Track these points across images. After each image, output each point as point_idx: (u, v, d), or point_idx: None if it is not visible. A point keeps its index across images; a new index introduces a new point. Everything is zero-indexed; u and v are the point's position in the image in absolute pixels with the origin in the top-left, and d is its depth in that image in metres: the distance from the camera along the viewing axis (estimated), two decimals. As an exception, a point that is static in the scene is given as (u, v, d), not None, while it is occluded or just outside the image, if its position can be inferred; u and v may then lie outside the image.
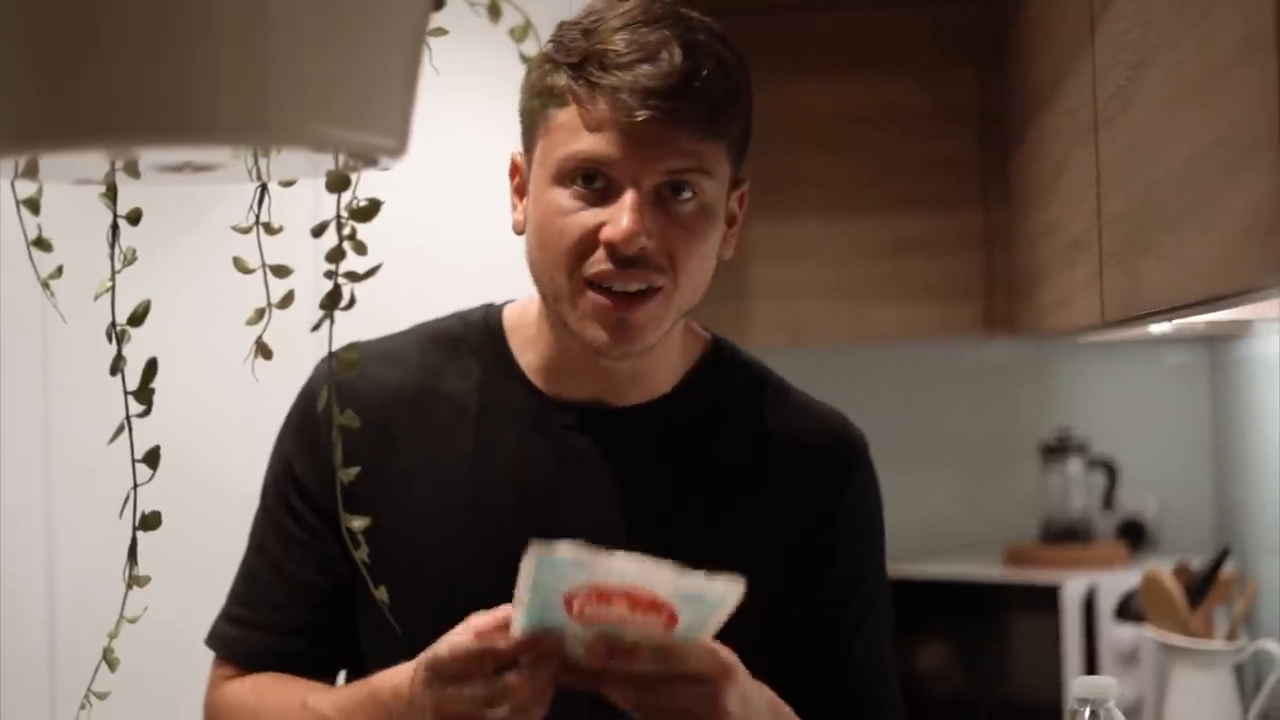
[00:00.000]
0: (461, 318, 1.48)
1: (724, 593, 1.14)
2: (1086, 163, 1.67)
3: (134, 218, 1.13)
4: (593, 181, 1.30)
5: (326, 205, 1.04)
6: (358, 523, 1.11)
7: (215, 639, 1.46)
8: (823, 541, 1.43)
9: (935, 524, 3.37)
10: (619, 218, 1.28)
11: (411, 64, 0.93)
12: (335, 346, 1.14)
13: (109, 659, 1.12)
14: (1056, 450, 3.23)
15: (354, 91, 0.85)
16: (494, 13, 1.03)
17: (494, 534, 1.35)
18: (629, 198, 1.28)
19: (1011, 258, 2.89)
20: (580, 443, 1.39)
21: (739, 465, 1.43)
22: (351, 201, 1.10)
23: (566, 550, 1.14)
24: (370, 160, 0.96)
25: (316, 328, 1.10)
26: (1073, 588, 2.86)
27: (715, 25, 1.35)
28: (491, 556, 1.29)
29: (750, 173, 3.28)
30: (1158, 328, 2.41)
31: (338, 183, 1.09)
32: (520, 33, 1.07)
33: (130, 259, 1.11)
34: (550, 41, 1.34)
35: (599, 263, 1.29)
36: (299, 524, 1.41)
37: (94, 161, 0.97)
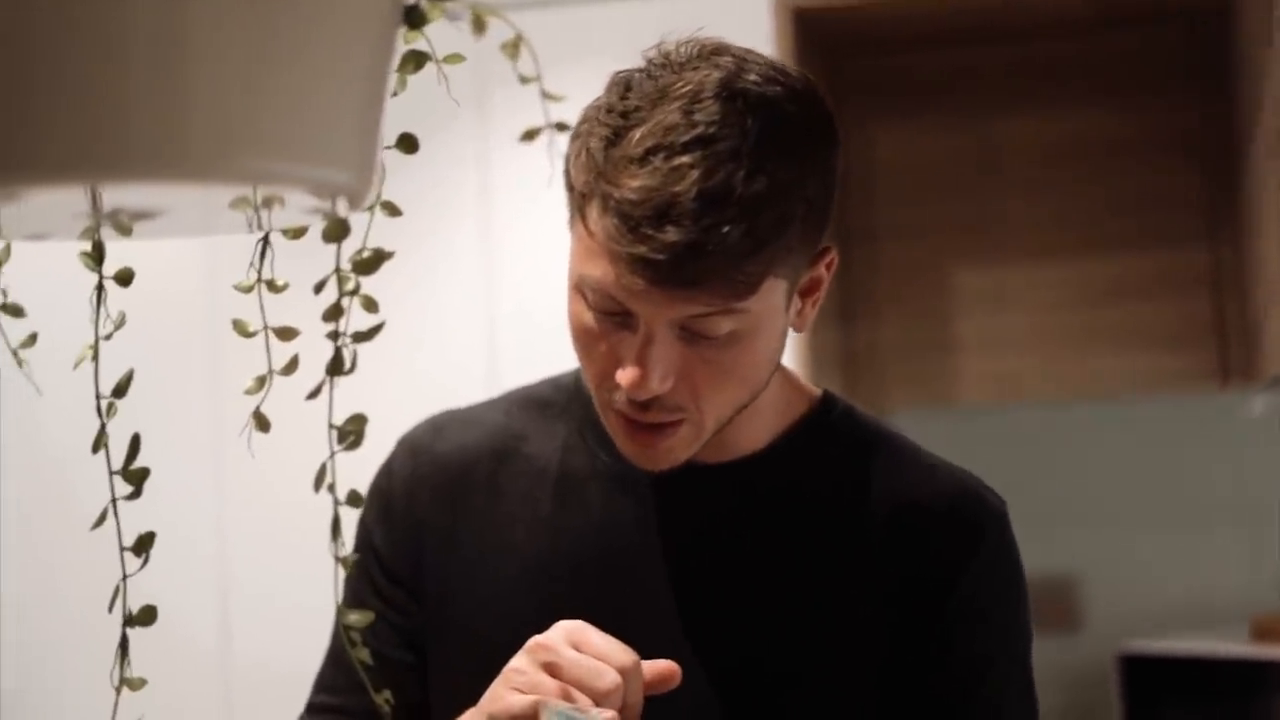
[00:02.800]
0: (552, 381, 1.41)
1: None
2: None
3: (123, 279, 1.03)
4: (607, 307, 1.17)
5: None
6: (355, 618, 1.00)
7: None
8: (939, 625, 1.25)
9: (1173, 595, 3.15)
10: (628, 367, 1.16)
11: (368, 92, 0.83)
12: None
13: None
14: (1309, 512, 2.94)
15: (292, 122, 0.76)
16: (477, 27, 0.91)
17: (572, 601, 1.26)
18: (640, 338, 1.16)
19: (1245, 300, 2.64)
20: (665, 503, 1.29)
21: (840, 532, 1.28)
22: (358, 252, 0.99)
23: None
24: (349, 198, 0.86)
25: (313, 395, 0.99)
26: (1327, 667, 2.58)
27: (782, 116, 1.14)
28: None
29: (951, 218, 3.10)
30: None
31: (335, 230, 0.98)
32: (511, 49, 0.94)
33: (120, 323, 1.02)
34: (595, 104, 1.19)
35: (619, 401, 1.20)
36: (383, 600, 1.33)
37: (49, 214, 0.89)
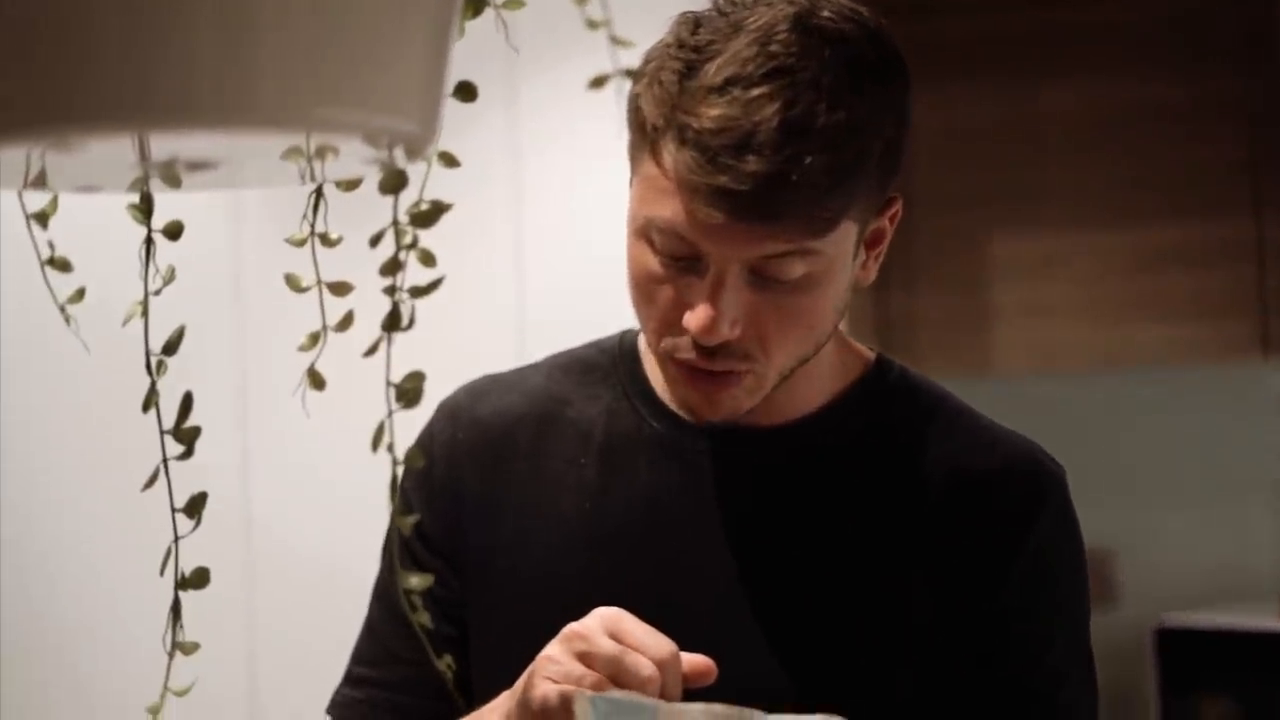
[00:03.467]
0: (596, 344, 1.39)
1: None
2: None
3: (173, 232, 1.01)
4: (676, 249, 1.14)
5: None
6: (416, 580, 0.97)
7: (337, 706, 1.36)
8: (998, 593, 1.22)
9: (1212, 569, 3.13)
10: (699, 308, 1.14)
11: (434, 38, 0.82)
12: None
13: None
14: (1349, 486, 2.92)
15: (357, 69, 0.74)
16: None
17: (618, 568, 1.26)
18: (710, 281, 1.13)
19: (1289, 270, 2.62)
20: (717, 469, 1.27)
21: (901, 495, 1.25)
22: (416, 204, 0.96)
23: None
24: (410, 148, 0.84)
25: (370, 352, 0.97)
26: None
27: (857, 51, 1.12)
28: (614, 591, 1.19)
29: (991, 184, 3.07)
30: None
31: (392, 181, 0.96)
32: (581, -8, 0.92)
33: (169, 278, 1.00)
34: (664, 43, 1.16)
35: (685, 349, 1.17)
36: (419, 568, 1.33)
37: (99, 165, 0.87)
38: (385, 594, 1.36)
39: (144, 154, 0.85)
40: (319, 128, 0.75)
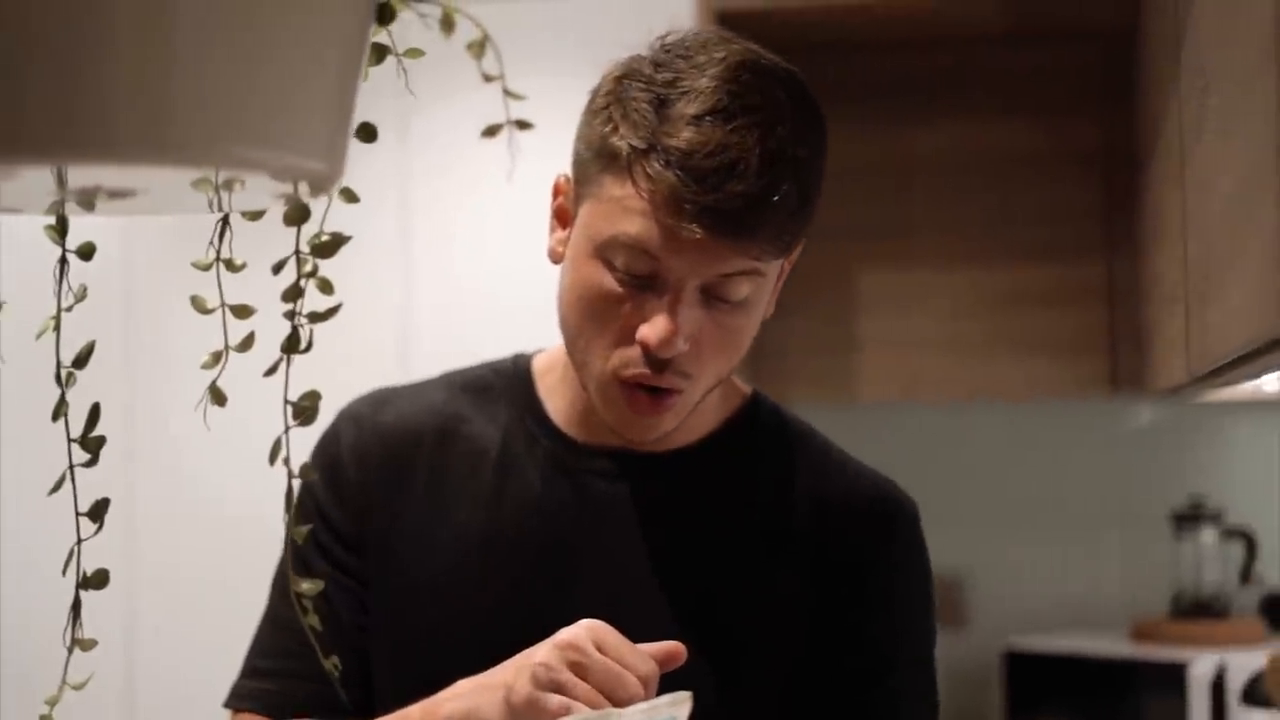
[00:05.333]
0: (492, 366, 1.43)
1: (671, 712, 1.06)
2: (1175, 203, 1.53)
3: (85, 252, 1.05)
4: (636, 267, 1.20)
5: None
6: (306, 585, 1.03)
7: (237, 698, 1.38)
8: (855, 610, 1.31)
9: (1058, 595, 3.22)
10: (657, 321, 1.20)
11: (343, 82, 0.86)
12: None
13: (45, 731, 1.05)
14: (1189, 519, 3.04)
15: (271, 110, 0.79)
16: (446, 26, 0.95)
17: (510, 578, 1.31)
18: (669, 299, 1.20)
19: (1137, 310, 2.73)
20: (604, 488, 1.33)
21: (768, 522, 1.33)
22: (315, 235, 1.02)
23: None
24: (316, 186, 0.89)
25: (270, 372, 1.02)
26: (1200, 667, 2.67)
27: (801, 95, 1.22)
28: (506, 600, 1.26)
29: (860, 221, 3.15)
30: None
31: (296, 214, 1.01)
32: (478, 49, 0.99)
33: (81, 296, 1.04)
34: (618, 83, 1.23)
35: (633, 365, 1.22)
36: (329, 562, 1.34)
37: (22, 189, 0.91)
38: (288, 589, 1.40)
39: (62, 180, 0.89)
40: (233, 165, 0.79)
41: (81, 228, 0.98)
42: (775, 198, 1.16)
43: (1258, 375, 1.33)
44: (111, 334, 2.81)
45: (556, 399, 1.36)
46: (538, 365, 1.40)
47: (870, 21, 2.79)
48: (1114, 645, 2.94)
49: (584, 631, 1.13)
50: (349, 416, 1.38)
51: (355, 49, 0.88)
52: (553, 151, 1.38)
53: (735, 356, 1.26)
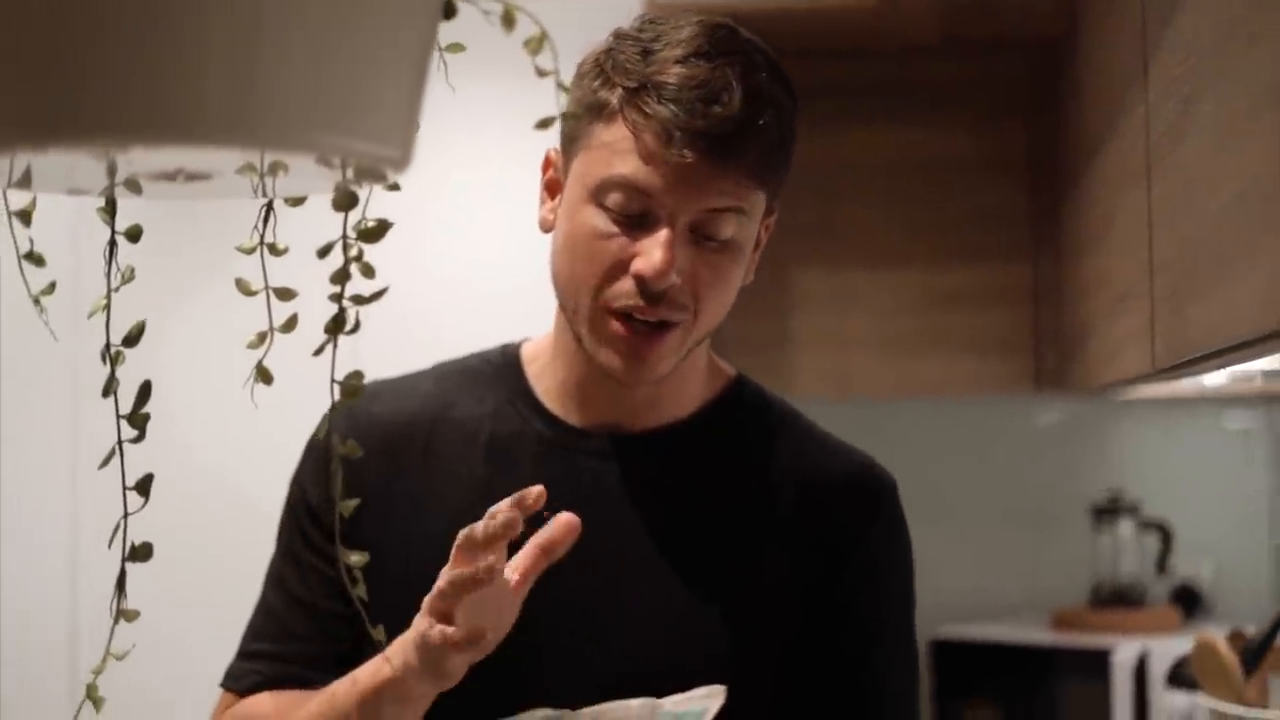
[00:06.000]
0: (480, 355, 1.47)
1: (705, 704, 1.11)
2: (1138, 206, 1.61)
3: (133, 234, 1.08)
4: (629, 206, 1.26)
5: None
6: (355, 558, 1.07)
7: (232, 678, 1.41)
8: (842, 585, 1.36)
9: (982, 586, 3.31)
10: (652, 252, 1.25)
11: (416, 73, 0.89)
12: (345, 371, 1.10)
13: (93, 697, 1.07)
14: (1107, 511, 3.15)
15: (351, 97, 0.81)
16: (508, 22, 0.99)
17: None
18: (664, 232, 1.26)
19: (1062, 312, 2.82)
20: (596, 467, 1.37)
21: (757, 499, 1.38)
22: (360, 222, 1.06)
23: (540, 714, 1.15)
24: (375, 173, 0.93)
25: (318, 352, 1.06)
26: (1124, 653, 2.77)
27: (775, 60, 1.31)
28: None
29: (797, 221, 3.22)
30: (1213, 385, 2.33)
31: (345, 200, 1.05)
32: (535, 44, 1.03)
33: (129, 277, 1.07)
34: (605, 50, 1.30)
35: (627, 296, 1.27)
36: (315, 553, 1.38)
37: (89, 169, 0.93)
38: (280, 581, 1.41)
39: (112, 160, 0.92)
40: (314, 149, 0.81)
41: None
42: (760, 122, 1.25)
43: (1220, 367, 1.40)
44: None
45: (546, 381, 1.40)
46: (526, 351, 1.44)
47: (807, 28, 2.86)
48: (1037, 634, 3.03)
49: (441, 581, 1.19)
50: (342, 411, 1.41)
51: (427, 40, 0.91)
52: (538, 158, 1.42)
53: (724, 301, 1.32)
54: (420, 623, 1.19)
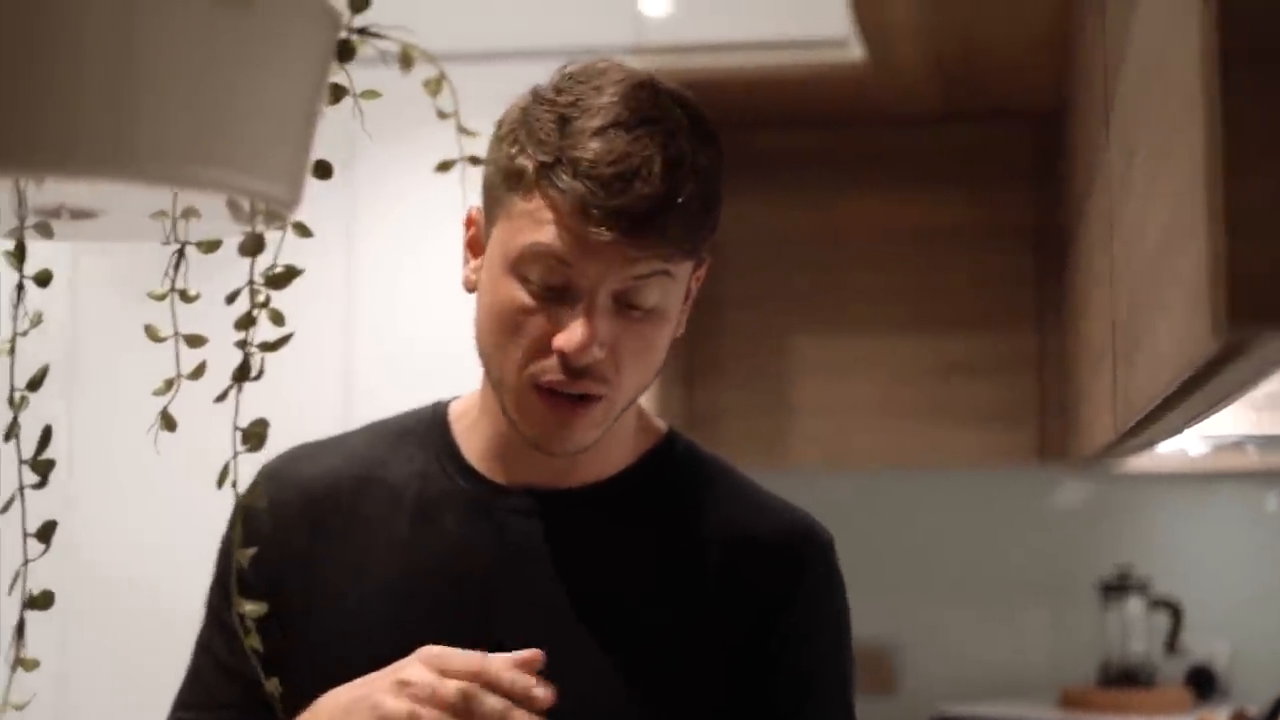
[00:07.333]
0: (412, 414, 1.46)
1: None
2: (1104, 262, 1.58)
3: (42, 279, 1.07)
4: (550, 279, 1.24)
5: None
6: (250, 607, 1.04)
7: None
8: (772, 643, 1.34)
9: (987, 663, 3.25)
10: (574, 329, 1.23)
11: (303, 113, 0.88)
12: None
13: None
14: (1116, 589, 3.09)
15: (231, 132, 0.80)
16: (405, 63, 0.98)
17: (425, 622, 1.31)
18: (583, 306, 1.24)
19: (1065, 381, 2.79)
20: (521, 525, 1.35)
21: (686, 557, 1.35)
22: (270, 267, 1.05)
23: None
24: (274, 216, 0.92)
25: (221, 399, 1.04)
26: (1127, 733, 2.71)
27: (700, 115, 1.28)
28: (423, 642, 1.24)
29: (794, 287, 3.20)
30: (1199, 457, 2.28)
31: (251, 245, 1.03)
32: (434, 86, 1.02)
33: (36, 321, 1.06)
34: (521, 111, 1.28)
35: (550, 371, 1.25)
36: (232, 613, 1.36)
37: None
38: (208, 646, 1.40)
39: (22, 203, 0.91)
40: (194, 185, 0.80)
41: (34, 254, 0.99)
42: (680, 199, 1.21)
43: (1178, 429, 1.37)
44: (56, 360, 2.82)
45: (473, 439, 1.38)
46: (454, 409, 1.43)
47: (809, 98, 2.85)
48: (1043, 713, 2.98)
49: (435, 649, 1.18)
50: (267, 473, 1.38)
51: (317, 81, 0.90)
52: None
53: (650, 367, 1.30)
54: (395, 703, 1.18)
